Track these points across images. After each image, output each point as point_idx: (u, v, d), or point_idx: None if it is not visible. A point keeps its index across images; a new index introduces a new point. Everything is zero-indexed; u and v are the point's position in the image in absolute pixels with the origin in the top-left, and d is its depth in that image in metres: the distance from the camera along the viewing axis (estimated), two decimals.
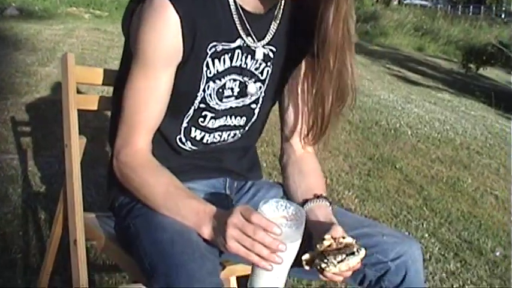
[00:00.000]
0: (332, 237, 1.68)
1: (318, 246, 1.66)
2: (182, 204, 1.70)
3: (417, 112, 8.63)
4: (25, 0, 14.61)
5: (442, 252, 3.96)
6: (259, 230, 1.49)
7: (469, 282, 3.62)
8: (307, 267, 1.67)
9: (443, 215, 4.68)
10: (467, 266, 3.84)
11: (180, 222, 1.67)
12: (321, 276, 1.68)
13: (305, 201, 1.92)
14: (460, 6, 44.14)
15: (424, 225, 4.37)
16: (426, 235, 4.19)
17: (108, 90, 2.10)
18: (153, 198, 1.75)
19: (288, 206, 1.60)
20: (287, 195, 2.03)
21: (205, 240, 1.65)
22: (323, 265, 1.61)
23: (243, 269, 1.83)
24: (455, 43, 22.81)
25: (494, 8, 36.50)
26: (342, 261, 1.61)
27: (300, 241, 1.57)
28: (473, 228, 4.56)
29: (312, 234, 1.77)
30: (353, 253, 1.63)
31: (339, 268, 1.61)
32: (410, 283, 1.82)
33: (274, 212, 1.58)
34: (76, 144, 2.07)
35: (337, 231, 1.70)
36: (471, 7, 43.58)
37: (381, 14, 24.45)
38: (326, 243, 1.66)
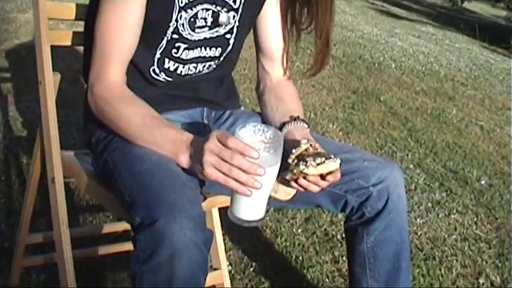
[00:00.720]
0: (308, 141, 1.66)
1: (294, 150, 1.64)
2: (158, 134, 1.67)
3: (401, 45, 8.60)
4: None
5: (428, 183, 3.97)
6: (237, 155, 1.47)
7: (454, 211, 3.63)
8: (287, 178, 1.64)
9: (428, 146, 4.68)
10: (452, 196, 3.85)
11: (159, 153, 1.65)
12: (294, 185, 1.66)
13: (283, 125, 1.90)
14: None
15: (409, 156, 4.38)
16: (411, 166, 4.20)
17: (82, 25, 2.06)
18: (129, 129, 1.72)
19: (265, 130, 1.57)
20: (265, 122, 2.00)
21: (185, 170, 1.63)
22: (302, 167, 1.59)
23: (225, 200, 1.79)
24: None
25: None
26: (321, 163, 1.59)
27: (278, 165, 1.55)
28: (459, 158, 4.57)
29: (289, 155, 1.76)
30: (331, 158, 1.61)
31: (319, 170, 1.59)
32: (392, 208, 1.82)
33: (252, 136, 1.55)
34: (50, 81, 2.03)
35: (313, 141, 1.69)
36: None
37: None
38: (303, 146, 1.65)
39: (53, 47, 2.06)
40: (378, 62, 7.14)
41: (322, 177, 1.63)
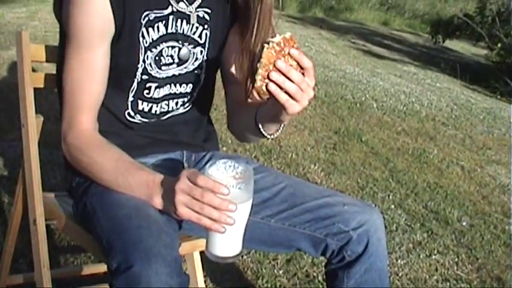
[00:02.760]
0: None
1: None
2: (131, 178, 1.69)
3: (383, 85, 8.65)
4: None
5: (409, 223, 3.98)
6: (207, 192, 1.49)
7: (435, 251, 3.65)
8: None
9: (409, 186, 4.70)
10: (433, 236, 3.87)
11: (137, 198, 1.66)
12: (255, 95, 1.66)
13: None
14: None
15: (391, 197, 4.39)
16: (392, 206, 4.21)
17: None
18: (103, 175, 1.74)
19: (235, 166, 1.58)
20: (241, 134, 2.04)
21: (163, 213, 1.64)
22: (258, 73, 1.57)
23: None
24: (421, 17, 22.88)
25: None
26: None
27: (251, 201, 1.57)
28: (440, 198, 4.58)
29: None
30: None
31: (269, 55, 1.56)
32: (372, 252, 1.83)
33: (223, 173, 1.56)
34: (33, 123, 2.05)
35: None
36: None
37: None
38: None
39: (36, 89, 2.08)
40: (360, 102, 7.18)
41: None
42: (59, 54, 1.89)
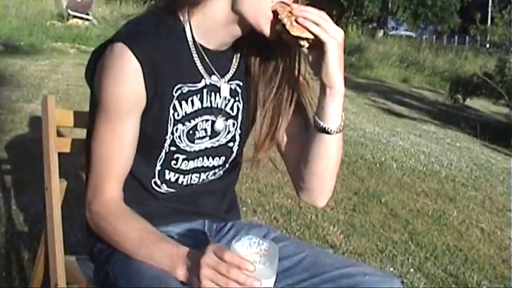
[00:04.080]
0: None
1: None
2: (155, 249, 1.70)
3: (402, 145, 8.66)
4: (11, 36, 14.62)
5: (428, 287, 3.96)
6: (233, 268, 1.49)
7: None
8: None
9: (428, 249, 4.67)
10: None
11: (158, 268, 1.67)
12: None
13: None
14: (445, 37, 44.53)
15: (410, 260, 4.36)
16: (412, 270, 4.18)
17: None
18: (126, 245, 1.75)
19: (260, 243, 1.59)
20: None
21: (184, 285, 1.64)
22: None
23: None
24: (441, 74, 22.96)
25: (479, 38, 36.82)
26: None
27: (274, 278, 1.58)
28: (459, 262, 4.55)
29: None
30: None
31: None
32: None
33: (248, 249, 1.58)
34: (56, 188, 2.07)
35: None
36: (456, 37, 43.96)
37: (366, 46, 24.62)
38: None
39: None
40: (380, 162, 7.18)
41: None
42: (89, 121, 1.90)
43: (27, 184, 4.36)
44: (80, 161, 4.27)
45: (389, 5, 40.17)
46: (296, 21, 1.66)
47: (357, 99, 13.36)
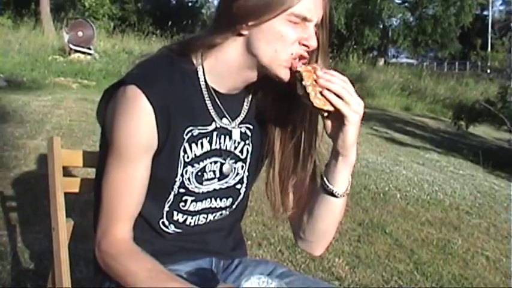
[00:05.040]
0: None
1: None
2: None
3: (406, 174, 8.65)
4: (13, 71, 14.68)
5: None
6: None
7: None
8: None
9: (434, 279, 4.66)
10: None
11: None
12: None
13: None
14: (446, 63, 44.70)
15: None
16: None
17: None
18: (136, 285, 1.75)
19: (269, 282, 1.59)
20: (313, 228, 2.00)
21: None
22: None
23: None
24: (442, 101, 23.01)
25: (479, 64, 36.94)
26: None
27: None
28: None
29: None
30: None
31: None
32: None
33: None
34: (63, 228, 2.07)
35: None
36: (457, 64, 44.13)
37: (367, 75, 24.64)
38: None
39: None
40: (383, 192, 7.18)
41: None
42: (99, 161, 1.91)
43: (32, 222, 4.36)
44: (84, 197, 4.31)
45: (390, 33, 40.34)
46: (321, 93, 1.69)
47: (360, 129, 13.35)
